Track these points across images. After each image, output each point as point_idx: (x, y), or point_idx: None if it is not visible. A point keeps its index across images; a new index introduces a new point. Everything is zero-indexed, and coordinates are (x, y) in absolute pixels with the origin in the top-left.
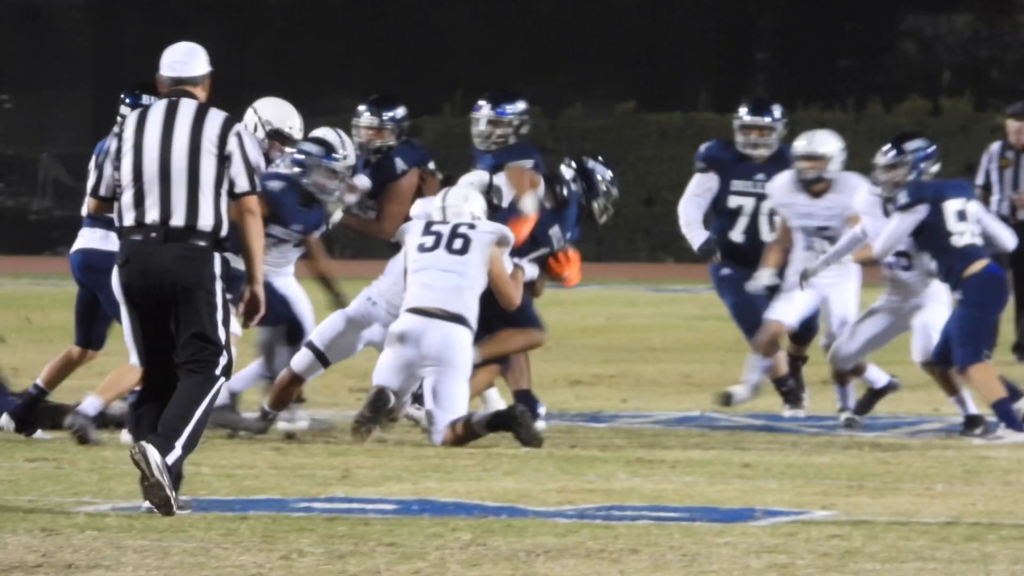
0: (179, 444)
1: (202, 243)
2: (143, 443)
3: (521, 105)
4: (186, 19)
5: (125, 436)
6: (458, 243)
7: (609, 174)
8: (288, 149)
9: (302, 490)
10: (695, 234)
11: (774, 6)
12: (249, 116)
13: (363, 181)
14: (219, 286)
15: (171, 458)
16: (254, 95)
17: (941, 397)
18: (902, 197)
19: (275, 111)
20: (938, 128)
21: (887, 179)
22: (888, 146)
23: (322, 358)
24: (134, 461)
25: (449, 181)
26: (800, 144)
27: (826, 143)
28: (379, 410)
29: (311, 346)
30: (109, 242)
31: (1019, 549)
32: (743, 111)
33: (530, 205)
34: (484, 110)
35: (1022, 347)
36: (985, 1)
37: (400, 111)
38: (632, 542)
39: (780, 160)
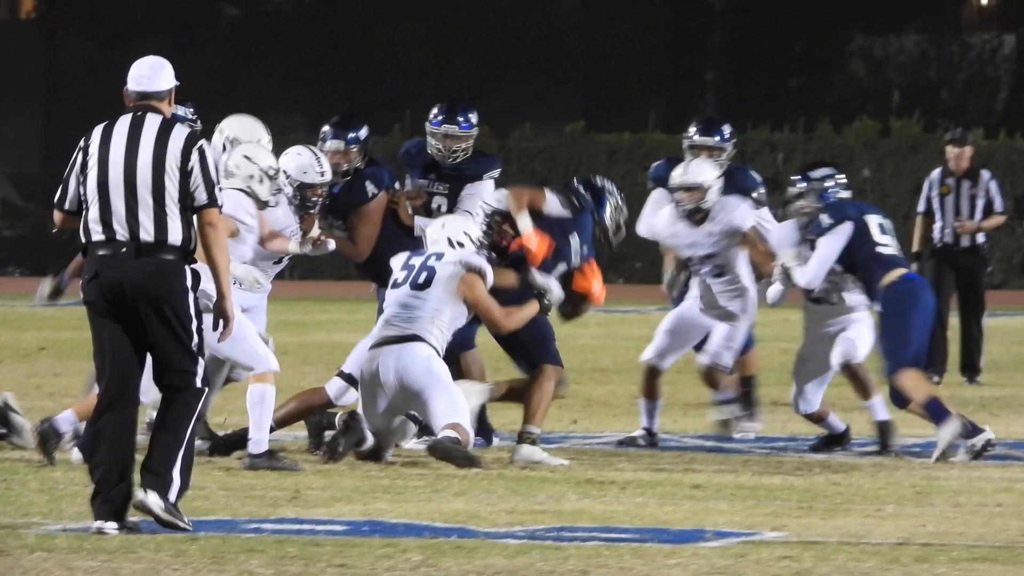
0: (175, 472)
1: (172, 257)
2: (139, 496)
3: (476, 117)
4: (133, 37)
5: (76, 455)
6: (423, 276)
7: (617, 192)
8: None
9: (252, 511)
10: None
11: (723, 25)
12: (216, 138)
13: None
14: (191, 299)
15: (172, 492)
16: (198, 112)
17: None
18: (825, 219)
19: (242, 128)
20: (888, 149)
21: (798, 208)
22: (796, 176)
23: (353, 382)
24: (136, 508)
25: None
26: (676, 175)
27: (702, 173)
28: (350, 431)
29: (342, 374)
30: None
31: (969, 570)
32: (692, 131)
33: (525, 223)
34: (445, 125)
35: (971, 368)
36: (934, 22)
37: (364, 131)
38: (582, 563)
39: (729, 180)
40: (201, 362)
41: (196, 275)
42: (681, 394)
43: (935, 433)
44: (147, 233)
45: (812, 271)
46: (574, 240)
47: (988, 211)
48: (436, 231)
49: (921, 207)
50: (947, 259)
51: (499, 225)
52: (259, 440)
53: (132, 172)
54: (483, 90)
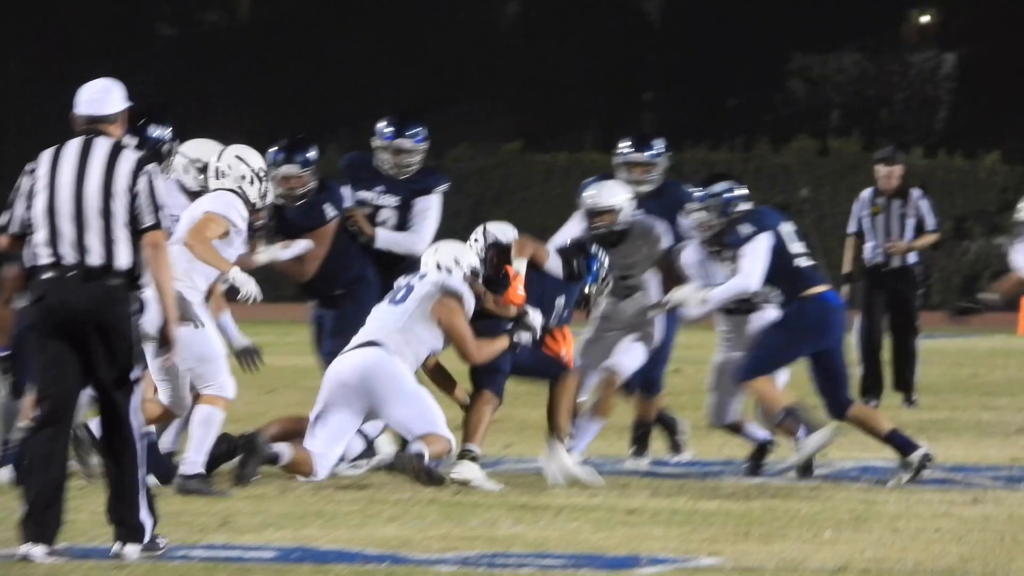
0: (144, 515)
1: (119, 282)
2: (115, 547)
3: (425, 130)
4: (73, 56)
5: (3, 475)
6: (400, 294)
7: (608, 262)
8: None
9: (181, 537)
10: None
11: (661, 45)
12: (178, 160)
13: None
14: (135, 325)
15: (147, 534)
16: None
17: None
18: (746, 228)
19: (202, 149)
20: (827, 168)
21: (697, 222)
22: (696, 189)
23: None
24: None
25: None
26: (587, 196)
27: (613, 195)
28: (254, 453)
29: None
30: None
31: None
32: (624, 147)
33: (520, 267)
34: (399, 139)
35: (905, 389)
36: (874, 40)
37: (313, 152)
38: None
39: (662, 196)
40: (138, 392)
41: (140, 301)
42: (616, 417)
43: (866, 456)
44: (95, 257)
45: (754, 276)
46: (559, 302)
47: (919, 230)
48: (428, 255)
49: (851, 227)
50: (878, 280)
51: (493, 259)
52: (195, 461)
53: (81, 196)
54: (417, 110)
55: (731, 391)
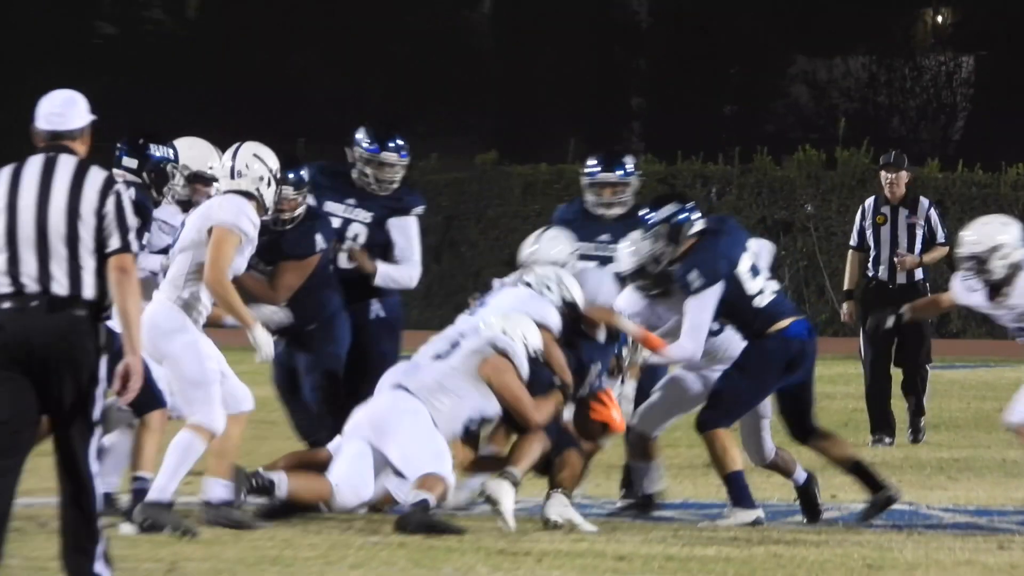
0: (99, 551)
1: (85, 313)
2: None
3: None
4: (23, 65)
5: None
6: (445, 347)
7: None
8: (210, 191)
9: None
10: None
11: (651, 48)
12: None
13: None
14: (101, 360)
15: (99, 566)
16: (95, 143)
17: (839, 482)
18: (695, 280)
19: (192, 153)
20: (833, 182)
21: (651, 254)
22: (644, 212)
23: None
24: None
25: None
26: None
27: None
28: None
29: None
30: None
31: None
32: (592, 166)
33: (600, 336)
34: (385, 153)
35: (915, 429)
36: (884, 43)
37: (305, 171)
38: None
39: (631, 218)
40: (97, 433)
41: (109, 332)
42: (605, 456)
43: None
44: (60, 287)
45: (690, 346)
46: (595, 367)
47: (927, 243)
48: (494, 318)
49: (854, 241)
50: (883, 298)
51: (566, 316)
52: (164, 488)
53: (44, 220)
54: (388, 119)
55: (755, 428)
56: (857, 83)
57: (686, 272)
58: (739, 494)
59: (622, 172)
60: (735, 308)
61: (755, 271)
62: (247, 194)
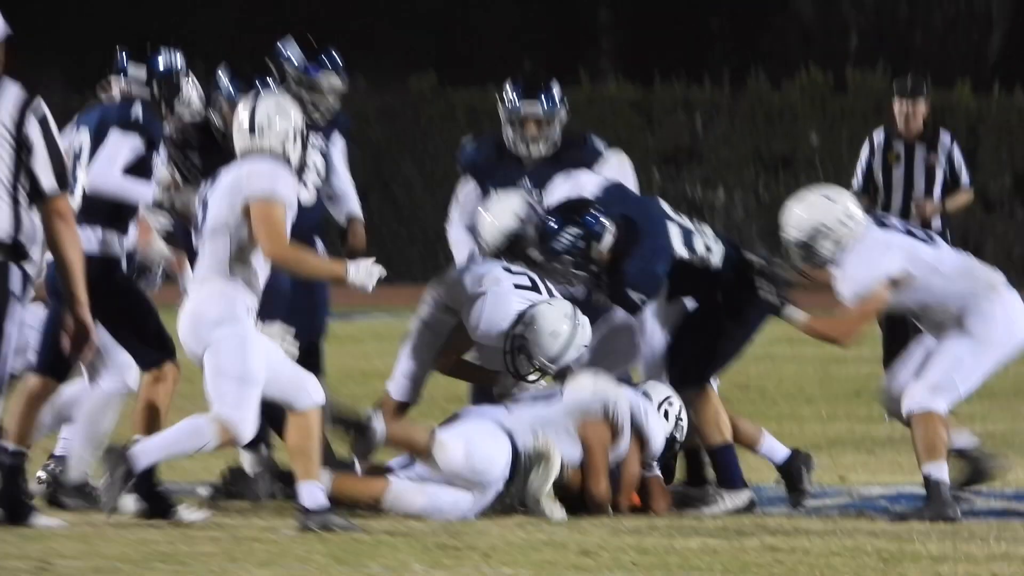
0: None
1: (1, 257)
2: None
3: None
4: None
5: None
6: (542, 394)
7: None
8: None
9: None
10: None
11: None
12: (193, 95)
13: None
14: (17, 308)
15: None
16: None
17: (848, 462)
18: (639, 299)
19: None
20: (843, 107)
21: (564, 272)
22: (550, 220)
23: None
24: None
25: None
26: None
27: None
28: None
29: None
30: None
31: None
32: (510, 95)
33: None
34: (323, 71)
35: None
36: None
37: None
38: None
39: (565, 156)
40: (2, 395)
41: (27, 277)
42: None
43: (898, 480)
44: None
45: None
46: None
47: (947, 186)
48: (584, 383)
49: (857, 183)
50: None
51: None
52: (144, 453)
53: None
54: (315, 35)
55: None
56: None
57: (623, 294)
58: (727, 473)
59: (548, 104)
60: (698, 284)
61: (687, 236)
62: (272, 155)
